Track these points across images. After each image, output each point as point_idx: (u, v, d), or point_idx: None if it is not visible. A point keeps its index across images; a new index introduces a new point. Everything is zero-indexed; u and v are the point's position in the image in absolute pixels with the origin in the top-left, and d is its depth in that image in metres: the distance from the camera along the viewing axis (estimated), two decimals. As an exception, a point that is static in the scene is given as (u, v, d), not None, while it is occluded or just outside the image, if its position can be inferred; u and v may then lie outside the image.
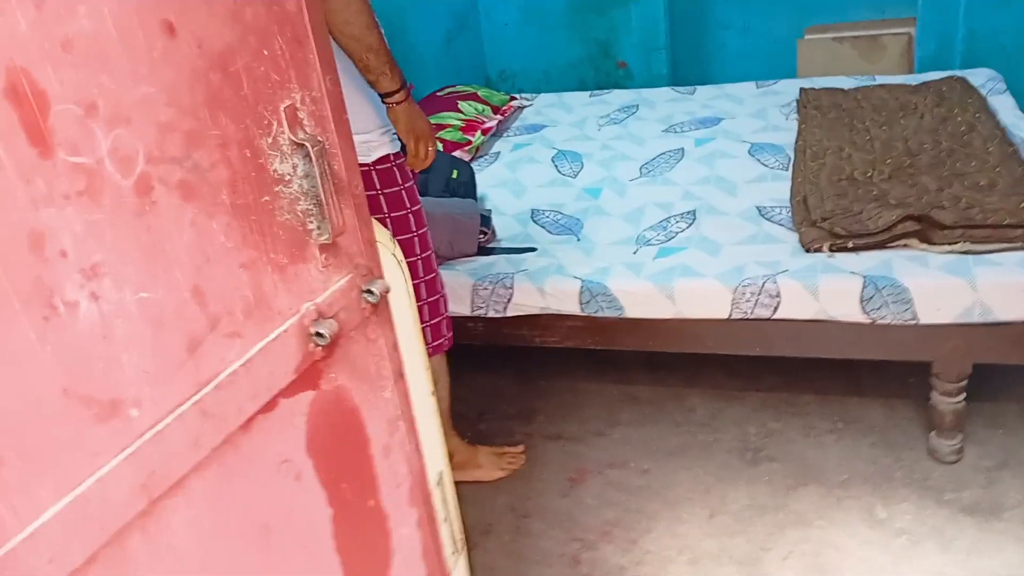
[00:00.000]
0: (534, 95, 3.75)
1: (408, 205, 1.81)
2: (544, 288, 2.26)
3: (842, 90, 3.14)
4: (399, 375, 1.01)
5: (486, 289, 2.29)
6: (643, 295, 2.19)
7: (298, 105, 0.85)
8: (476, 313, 2.31)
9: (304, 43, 0.86)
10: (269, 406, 0.83)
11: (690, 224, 2.45)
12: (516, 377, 2.69)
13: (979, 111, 2.74)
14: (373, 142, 1.74)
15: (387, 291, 0.96)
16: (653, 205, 2.60)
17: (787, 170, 2.68)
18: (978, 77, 3.12)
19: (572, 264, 2.32)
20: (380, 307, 0.97)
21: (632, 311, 2.21)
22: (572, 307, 2.25)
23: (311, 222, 0.87)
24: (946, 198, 2.27)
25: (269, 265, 0.83)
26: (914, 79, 3.22)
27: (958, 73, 3.15)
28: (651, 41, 4.27)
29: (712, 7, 4.48)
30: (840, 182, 2.47)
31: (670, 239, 2.39)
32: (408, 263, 1.71)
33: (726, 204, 2.54)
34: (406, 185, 1.81)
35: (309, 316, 0.87)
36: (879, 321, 2.04)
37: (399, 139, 1.82)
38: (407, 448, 1.03)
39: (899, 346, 2.07)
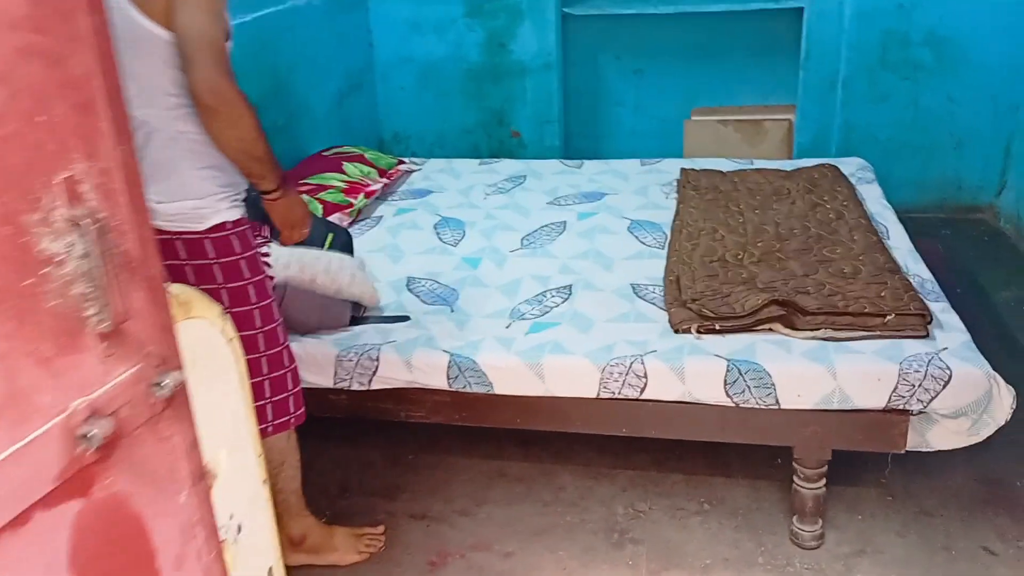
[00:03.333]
0: (424, 160, 3.73)
1: (248, 275, 1.71)
2: (411, 361, 2.18)
3: (721, 172, 3.22)
4: (197, 476, 0.92)
5: (350, 360, 2.20)
6: (512, 371, 2.14)
7: (79, 177, 0.77)
8: (339, 385, 2.22)
9: (92, 110, 0.79)
10: (19, 521, 0.73)
11: (565, 299, 2.43)
12: (384, 450, 2.60)
13: (847, 199, 2.84)
14: (206, 209, 1.65)
15: (181, 383, 0.87)
16: (531, 278, 2.57)
17: (663, 248, 2.70)
18: (849, 166, 3.25)
19: (442, 336, 2.26)
20: (175, 401, 0.88)
21: (501, 387, 2.16)
22: (439, 382, 2.18)
23: (89, 307, 0.78)
24: (811, 283, 2.32)
25: (29, 357, 0.74)
26: (790, 164, 3.33)
27: (831, 161, 3.28)
28: (545, 113, 4.33)
29: (606, 84, 4.58)
30: (712, 263, 2.50)
31: (544, 313, 2.37)
32: (246, 337, 1.63)
33: (602, 280, 2.53)
34: (247, 254, 1.72)
35: (79, 415, 0.77)
36: (742, 405, 2.04)
37: (248, 203, 1.74)
38: (206, 557, 0.93)
39: (762, 430, 2.08)
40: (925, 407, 1.97)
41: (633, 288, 2.47)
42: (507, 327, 2.30)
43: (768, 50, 4.32)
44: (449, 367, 2.16)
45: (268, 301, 1.77)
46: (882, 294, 2.21)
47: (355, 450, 2.59)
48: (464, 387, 2.17)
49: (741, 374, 2.02)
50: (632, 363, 2.08)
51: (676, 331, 2.20)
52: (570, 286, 2.50)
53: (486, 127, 4.43)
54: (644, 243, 2.76)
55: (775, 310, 2.16)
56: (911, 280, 2.33)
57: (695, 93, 4.49)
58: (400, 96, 4.42)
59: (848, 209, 2.77)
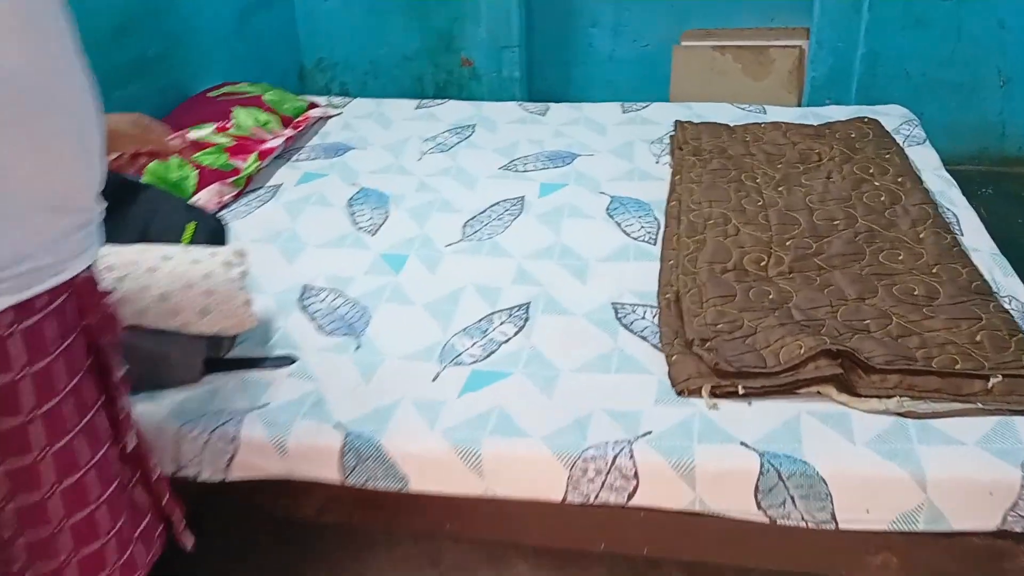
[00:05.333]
0: (345, 101, 2.91)
1: (33, 403, 0.96)
2: (286, 443, 1.47)
3: (726, 126, 2.47)
4: None
5: (196, 439, 1.48)
6: (437, 462, 1.44)
7: None
8: (182, 474, 1.50)
9: None
10: None
11: (520, 327, 1.71)
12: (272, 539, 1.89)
13: (902, 173, 2.11)
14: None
15: None
16: (474, 290, 1.84)
17: (655, 244, 1.98)
18: (891, 118, 2.51)
19: (338, 398, 1.54)
20: None
21: (421, 482, 1.45)
22: (330, 473, 1.47)
23: None
24: (870, 314, 1.62)
25: None
26: (815, 115, 2.58)
27: (869, 112, 2.53)
28: (502, 36, 3.50)
29: (578, 1, 3.75)
30: (725, 273, 1.78)
31: (489, 354, 1.65)
32: (31, 507, 0.96)
33: (572, 295, 1.81)
34: (35, 367, 0.96)
35: None
36: (782, 521, 1.36)
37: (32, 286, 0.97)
38: None
39: (809, 558, 1.40)
40: (1057, 532, 1.31)
41: (615, 310, 1.75)
42: (434, 379, 1.59)
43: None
44: (344, 453, 1.45)
45: (67, 439, 1.01)
46: (977, 338, 1.52)
47: (238, 537, 1.89)
48: (367, 482, 1.46)
49: (781, 477, 1.34)
50: (616, 455, 1.38)
51: (680, 393, 1.50)
52: (527, 305, 1.78)
53: (431, 54, 3.60)
54: (629, 234, 2.03)
55: (825, 364, 1.46)
56: (1009, 309, 1.63)
57: (686, 12, 3.67)
58: (324, 13, 3.56)
59: (904, 188, 2.05)
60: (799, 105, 3.48)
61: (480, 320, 1.74)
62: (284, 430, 1.48)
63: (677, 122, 2.51)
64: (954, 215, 2.00)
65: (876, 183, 2.08)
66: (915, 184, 2.05)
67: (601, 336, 1.67)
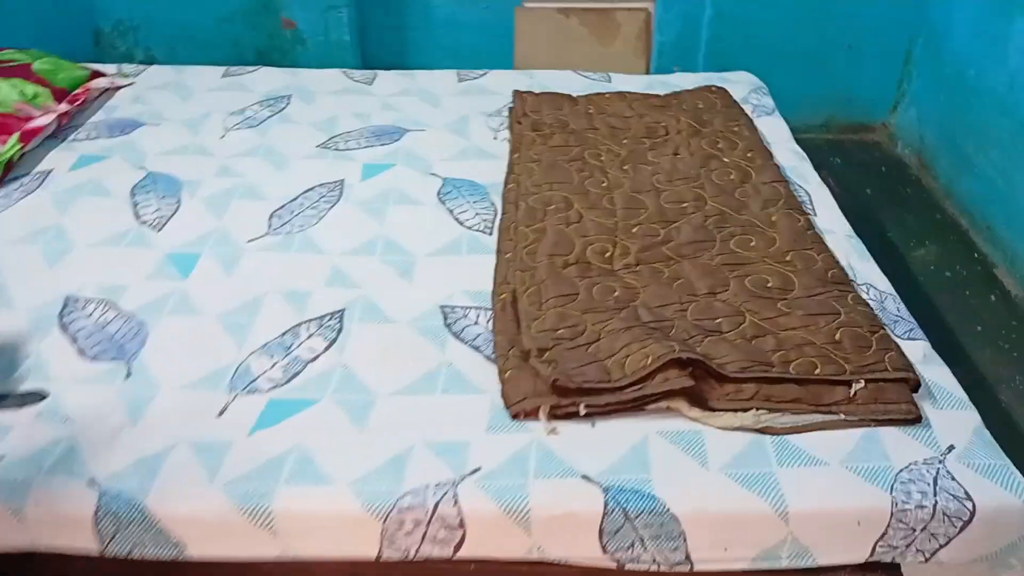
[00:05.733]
0: (139, 69, 2.52)
1: None
2: (24, 507, 1.16)
3: (568, 97, 2.26)
4: None
5: (-100, 516, 1.15)
6: (216, 524, 1.16)
7: None
8: None
9: None
10: None
11: (332, 341, 1.45)
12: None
13: (751, 147, 1.97)
14: None
15: None
16: (278, 296, 1.56)
17: (492, 233, 1.75)
18: (740, 87, 2.37)
19: (96, 444, 1.24)
20: None
21: (200, 548, 1.18)
22: (85, 542, 1.17)
23: None
24: (723, 311, 1.45)
25: None
26: (662, 84, 2.41)
27: (718, 80, 2.39)
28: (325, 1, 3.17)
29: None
30: (567, 268, 1.57)
31: (292, 376, 1.38)
32: None
33: (396, 298, 1.56)
34: None
35: None
36: (630, 566, 1.18)
37: None
38: None
39: (661, 604, 1.23)
40: (928, 559, 1.17)
41: (445, 315, 1.51)
42: (220, 413, 1.31)
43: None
44: (99, 518, 1.16)
45: None
46: (836, 336, 1.38)
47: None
48: (132, 551, 1.18)
49: (628, 516, 1.15)
50: (438, 502, 1.16)
51: (515, 416, 1.29)
52: (342, 313, 1.52)
53: (249, 15, 3.23)
54: (463, 223, 1.79)
55: (675, 376, 1.28)
56: (868, 299, 1.51)
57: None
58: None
59: (755, 164, 1.90)
60: (647, 72, 3.34)
61: (284, 333, 1.47)
62: (22, 490, 1.17)
63: (515, 92, 2.28)
64: (806, 193, 1.87)
65: (725, 159, 1.92)
66: (765, 160, 1.91)
67: (427, 348, 1.44)
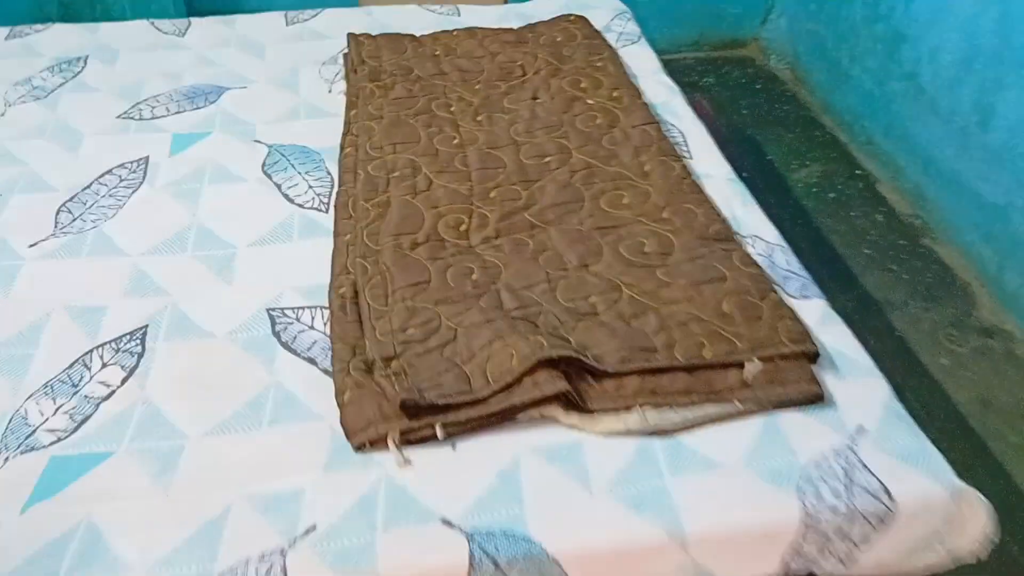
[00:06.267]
0: None
1: None
2: None
3: (411, 37, 1.99)
4: None
5: None
6: (-20, 642, 0.92)
7: None
8: None
9: None
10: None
11: (132, 370, 1.19)
12: None
13: (618, 86, 1.75)
14: None
15: None
16: (66, 315, 1.28)
17: (328, 211, 1.49)
18: (601, 13, 2.15)
19: None
20: None
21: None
22: None
23: None
24: (596, 287, 1.25)
25: None
26: (517, 16, 2.16)
27: (578, 7, 2.15)
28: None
29: None
30: (416, 248, 1.34)
31: (81, 423, 1.11)
32: None
33: (212, 304, 1.30)
34: None
35: None
36: (507, 619, 0.99)
37: None
38: None
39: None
40: (847, 566, 1.03)
41: (273, 320, 1.27)
42: (-13, 484, 1.04)
43: None
44: None
45: None
46: (724, 307, 1.20)
47: None
48: None
49: (499, 567, 0.95)
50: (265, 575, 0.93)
51: (359, 448, 1.07)
52: (144, 331, 1.25)
53: (39, -43, 2.78)
54: (293, 199, 1.53)
55: (546, 378, 1.08)
56: (754, 253, 1.34)
57: None
58: None
59: (622, 105, 1.69)
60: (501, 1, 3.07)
61: (71, 365, 1.20)
62: None
63: (350, 36, 1.99)
64: (680, 132, 1.68)
65: (590, 100, 1.71)
66: (633, 99, 1.70)
67: (250, 367, 1.19)
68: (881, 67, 2.45)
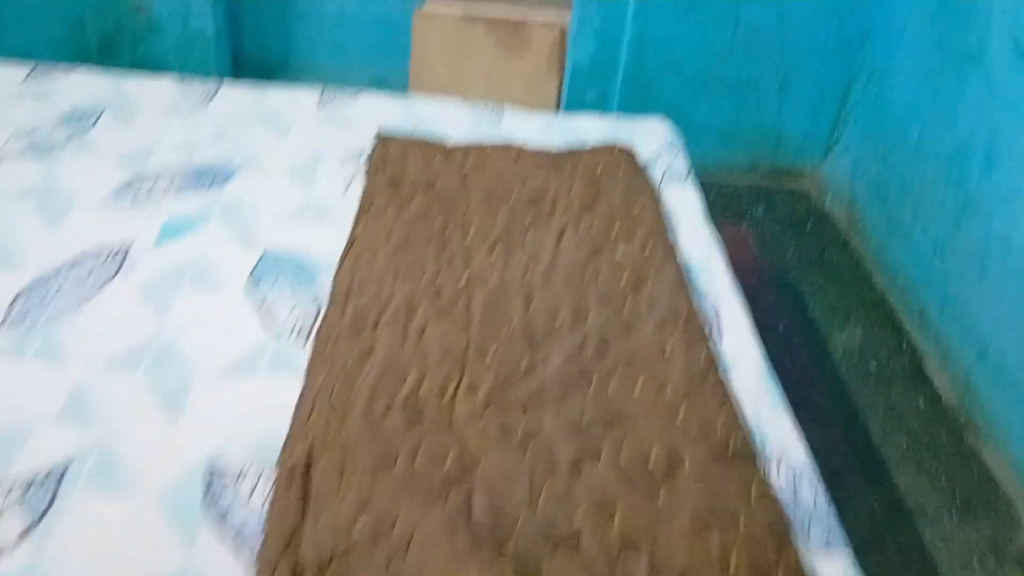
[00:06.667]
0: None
1: None
2: None
3: (442, 147, 1.85)
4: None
5: None
6: None
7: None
8: None
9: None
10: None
11: (34, 524, 1.02)
12: None
13: (652, 235, 1.59)
14: None
15: None
16: (-16, 434, 1.12)
17: (305, 345, 1.34)
18: (651, 139, 2.00)
19: None
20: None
21: None
22: None
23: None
24: (584, 498, 1.07)
25: None
26: (563, 126, 2.02)
27: (629, 128, 2.01)
28: (186, -23, 2.69)
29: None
30: (389, 414, 1.18)
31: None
32: None
33: (147, 447, 1.14)
34: None
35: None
36: None
37: None
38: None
39: None
40: None
41: (207, 483, 1.10)
42: None
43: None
44: None
45: None
46: (731, 560, 1.01)
47: None
48: None
49: None
50: None
51: None
52: (62, 473, 1.09)
53: (91, -7, 2.72)
54: (274, 322, 1.37)
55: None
56: (777, 481, 1.15)
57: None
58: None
59: (654, 263, 1.52)
60: (559, 90, 2.96)
61: (-31, 507, 1.04)
62: None
63: (379, 137, 1.86)
64: (713, 303, 1.50)
65: (618, 251, 1.54)
66: (667, 257, 1.53)
67: (169, 545, 1.02)
68: (945, 235, 2.27)
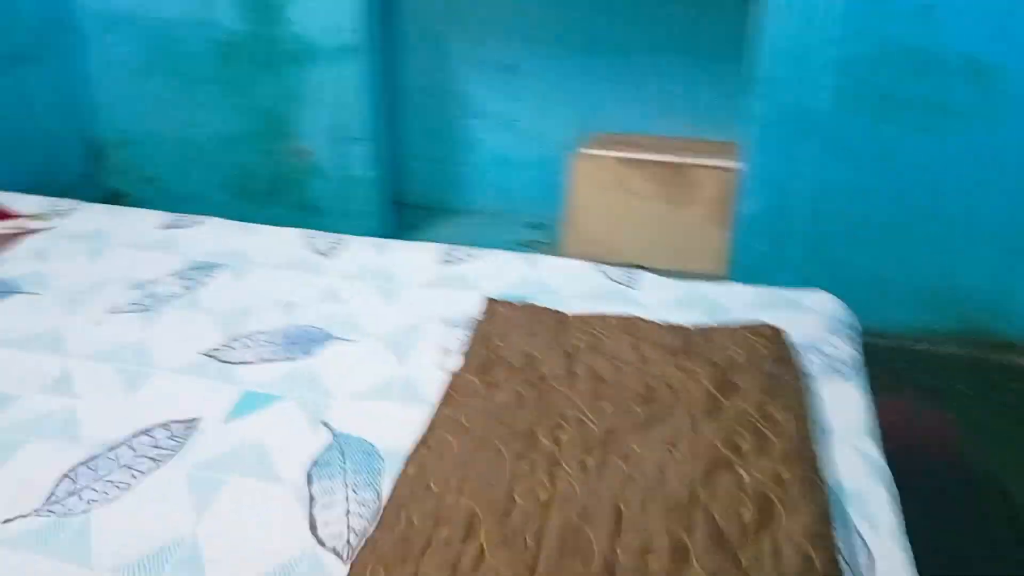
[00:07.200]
0: (72, 206, 2.10)
1: None
2: None
3: (558, 316, 1.63)
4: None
5: None
6: None
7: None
8: None
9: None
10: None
11: None
12: None
13: (790, 455, 1.27)
14: None
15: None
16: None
17: (346, 559, 1.13)
18: (810, 320, 1.68)
19: None
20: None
21: None
22: None
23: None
24: None
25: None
26: (703, 297, 1.75)
27: (784, 303, 1.72)
28: (345, 124, 2.72)
29: (459, 83, 2.97)
30: None
31: None
32: None
33: None
34: None
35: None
36: None
37: None
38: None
39: None
40: None
41: None
42: None
43: (711, 48, 2.75)
44: None
45: None
46: None
47: None
48: None
49: None
50: None
51: None
52: None
53: (258, 138, 2.81)
54: (320, 525, 1.18)
55: None
56: None
57: (592, 108, 2.91)
58: (119, 76, 2.78)
59: (788, 494, 1.20)
60: (727, 241, 2.69)
61: None
62: None
63: (488, 301, 1.68)
64: (867, 549, 1.15)
65: (744, 472, 1.23)
66: (810, 485, 1.21)
67: None
68: None
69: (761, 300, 1.76)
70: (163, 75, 2.72)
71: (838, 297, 1.81)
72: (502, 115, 2.95)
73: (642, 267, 1.89)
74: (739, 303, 1.75)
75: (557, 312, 1.65)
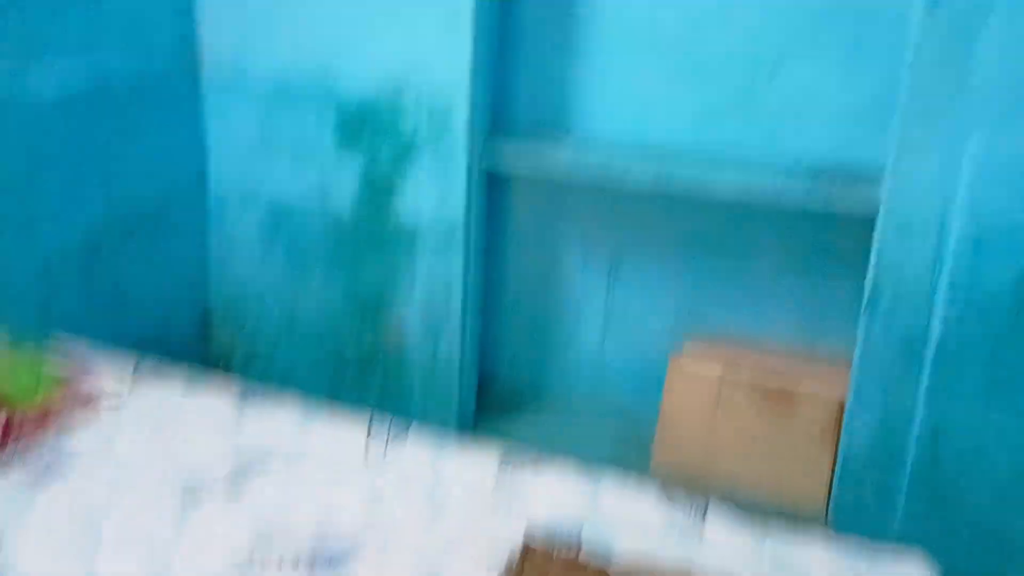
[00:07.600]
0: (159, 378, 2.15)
1: None
2: None
3: (598, 572, 1.47)
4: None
5: None
6: None
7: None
8: None
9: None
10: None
11: None
12: None
13: None
14: None
15: None
16: None
17: None
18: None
19: None
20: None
21: None
22: None
23: None
24: None
25: None
26: (775, 559, 1.55)
27: (865, 571, 1.50)
28: (438, 312, 2.72)
29: (561, 280, 2.94)
30: None
31: None
32: None
33: None
34: None
35: None
36: None
37: None
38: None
39: None
40: None
41: None
42: None
43: (824, 260, 2.62)
44: None
45: None
46: None
47: None
48: None
49: None
50: None
51: None
52: None
53: (355, 318, 2.85)
54: None
55: None
56: None
57: (695, 307, 2.80)
58: (237, 251, 2.92)
59: None
60: (832, 473, 2.45)
61: None
62: None
63: (525, 549, 1.54)
64: None
65: None
66: None
67: None
68: None
69: (841, 560, 1.54)
70: (277, 253, 2.83)
71: (947, 554, 1.56)
72: (601, 314, 2.88)
73: (730, 494, 1.70)
74: (816, 560, 1.54)
75: (603, 561, 1.49)
